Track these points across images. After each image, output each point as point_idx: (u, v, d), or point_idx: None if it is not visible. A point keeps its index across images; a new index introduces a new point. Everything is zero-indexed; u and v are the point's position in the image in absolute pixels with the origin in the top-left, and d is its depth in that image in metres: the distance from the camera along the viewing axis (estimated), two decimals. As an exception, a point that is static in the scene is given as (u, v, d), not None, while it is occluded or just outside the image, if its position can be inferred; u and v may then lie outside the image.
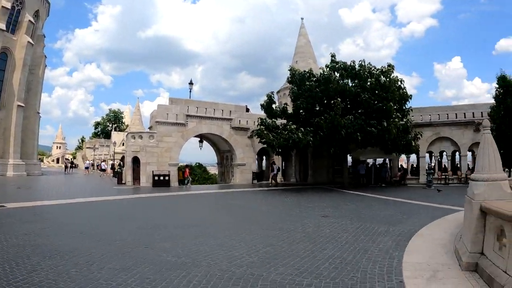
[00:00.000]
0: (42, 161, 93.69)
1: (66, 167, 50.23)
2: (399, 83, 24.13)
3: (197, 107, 28.68)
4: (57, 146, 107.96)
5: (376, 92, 23.18)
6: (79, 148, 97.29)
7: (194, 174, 69.60)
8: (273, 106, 26.19)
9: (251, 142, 30.84)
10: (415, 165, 32.75)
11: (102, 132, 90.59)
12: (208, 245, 8.03)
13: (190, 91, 31.82)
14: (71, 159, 69.27)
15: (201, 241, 8.48)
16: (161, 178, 26.03)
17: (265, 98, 26.13)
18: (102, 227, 10.34)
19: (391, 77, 23.78)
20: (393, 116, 22.99)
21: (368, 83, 23.46)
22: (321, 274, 6.05)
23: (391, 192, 21.86)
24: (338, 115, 21.48)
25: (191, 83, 31.87)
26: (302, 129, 22.02)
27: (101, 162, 59.27)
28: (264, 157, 37.05)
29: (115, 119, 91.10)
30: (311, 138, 21.82)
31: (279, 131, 23.46)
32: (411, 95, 24.93)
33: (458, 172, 29.99)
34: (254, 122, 30.04)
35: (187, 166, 32.75)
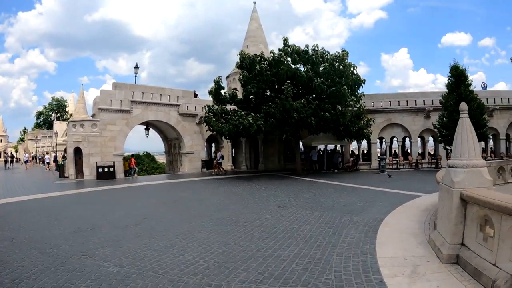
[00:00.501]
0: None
1: (6, 161, 45.96)
2: (352, 68, 23.81)
3: (143, 93, 26.98)
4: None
5: (329, 77, 22.76)
6: (21, 140, 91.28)
7: (142, 163, 67.69)
8: (222, 91, 25.10)
9: (200, 129, 29.65)
10: (365, 151, 32.98)
11: (45, 122, 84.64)
12: (155, 248, 7.05)
13: (136, 76, 30.11)
14: (11, 152, 64.34)
15: (147, 243, 7.47)
16: (106, 170, 24.35)
17: (209, 91, 25.15)
18: (36, 231, 8.96)
19: (345, 62, 23.35)
20: (348, 100, 22.74)
21: (322, 68, 22.96)
22: (290, 278, 5.30)
23: (345, 178, 21.56)
24: (290, 98, 20.83)
25: (136, 67, 30.03)
26: (252, 114, 21.22)
27: (44, 154, 55.85)
28: (213, 144, 36.03)
29: (58, 108, 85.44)
30: (262, 123, 21.06)
31: (228, 117, 22.54)
32: (364, 80, 24.72)
33: (409, 157, 30.53)
34: (203, 108, 28.93)
35: (132, 156, 31.12)
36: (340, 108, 22.16)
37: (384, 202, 12.06)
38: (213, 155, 28.44)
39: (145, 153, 77.29)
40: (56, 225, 9.68)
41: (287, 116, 21.15)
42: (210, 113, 23.51)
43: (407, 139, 31.78)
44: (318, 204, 12.17)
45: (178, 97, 28.75)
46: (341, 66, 23.04)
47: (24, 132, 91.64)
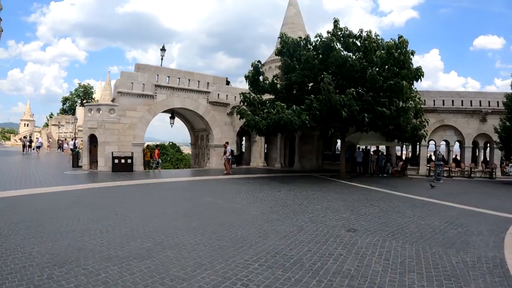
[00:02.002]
0: (8, 139, 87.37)
1: (24, 146, 44.00)
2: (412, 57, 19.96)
3: (169, 76, 23.83)
4: (24, 124, 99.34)
5: (387, 67, 19.18)
6: (46, 125, 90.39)
7: (167, 154, 65.57)
8: (260, 78, 21.73)
9: (231, 120, 26.48)
10: (409, 154, 29.76)
11: (70, 108, 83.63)
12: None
13: (162, 59, 26.97)
14: (29, 137, 62.48)
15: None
16: (122, 161, 21.39)
17: (246, 76, 21.58)
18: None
19: (405, 50, 19.41)
20: (411, 95, 19.17)
21: (377, 57, 19.26)
22: None
23: (401, 187, 18.29)
24: (332, 93, 17.36)
25: (163, 49, 27.00)
26: (295, 106, 17.68)
27: (62, 140, 53.77)
28: (244, 138, 32.88)
29: (85, 94, 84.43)
30: (308, 118, 17.62)
31: (265, 109, 19.24)
32: (423, 72, 20.62)
33: (461, 164, 27.13)
34: (235, 97, 25.83)
35: (157, 146, 28.18)
36: (402, 104, 18.60)
37: (478, 226, 9.42)
38: (224, 151, 23.59)
39: (170, 143, 75.23)
40: (29, 246, 6.57)
41: (334, 113, 17.75)
42: (245, 103, 20.20)
43: (456, 144, 28.01)
44: (398, 228, 8.91)
45: (208, 83, 25.54)
46: (401, 56, 19.27)
47: (50, 117, 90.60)
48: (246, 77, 21.32)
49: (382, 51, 19.01)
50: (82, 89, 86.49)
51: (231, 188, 15.95)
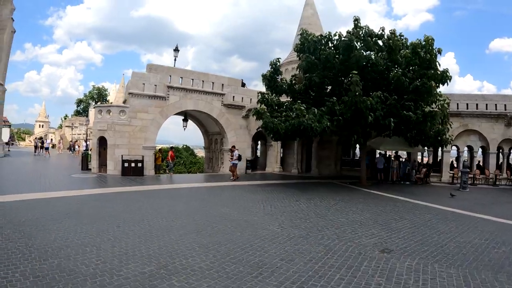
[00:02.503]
0: (24, 140, 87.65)
1: (36, 147, 43.35)
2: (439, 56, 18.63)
3: (182, 77, 22.91)
4: (39, 125, 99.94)
5: (411, 68, 17.93)
6: (61, 127, 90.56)
7: (180, 157, 64.69)
8: (278, 78, 20.53)
9: (246, 124, 25.44)
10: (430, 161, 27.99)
11: (84, 110, 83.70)
12: None
13: (175, 60, 26.11)
14: (41, 138, 62.07)
15: None
16: (132, 165, 20.46)
17: (263, 75, 20.35)
18: None
19: (432, 50, 18.11)
20: (437, 98, 17.91)
21: (402, 56, 18.01)
22: None
23: (427, 196, 17.14)
24: (360, 94, 16.15)
25: (176, 50, 26.10)
26: (315, 109, 16.47)
27: (74, 142, 53.13)
28: (259, 142, 31.77)
29: (99, 96, 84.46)
30: (329, 124, 16.41)
31: (284, 112, 18.11)
32: (451, 76, 19.11)
33: (486, 171, 25.66)
34: (251, 99, 24.83)
35: (172, 148, 27.16)
36: (428, 108, 17.37)
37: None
38: (231, 155, 21.99)
39: (184, 146, 74.40)
40: None
41: (359, 116, 16.56)
42: (262, 104, 19.08)
43: (479, 149, 26.43)
44: (437, 248, 7.77)
45: (223, 85, 24.57)
46: (427, 55, 17.98)
47: (65, 118, 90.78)
48: (264, 76, 20.11)
49: (407, 51, 17.79)
50: (97, 91, 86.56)
51: (247, 196, 14.75)
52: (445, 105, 17.82)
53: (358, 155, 31.11)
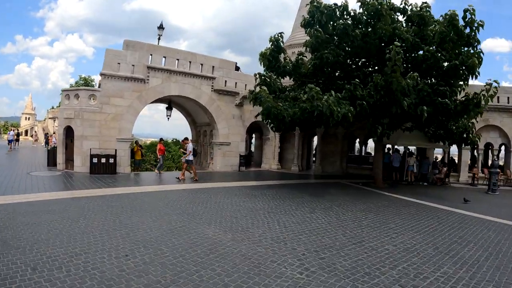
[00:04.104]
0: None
1: (9, 141, 38.70)
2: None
3: (165, 57, 19.19)
4: (26, 117, 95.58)
5: (446, 44, 14.51)
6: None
7: (169, 151, 61.17)
8: (281, 57, 16.81)
9: (240, 113, 21.89)
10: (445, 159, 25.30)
11: (70, 101, 79.74)
12: None
13: (159, 38, 22.40)
14: (17, 131, 56.81)
15: None
16: (103, 160, 16.84)
17: (261, 54, 16.49)
18: None
19: (474, 19, 14.42)
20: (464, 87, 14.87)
21: (434, 31, 14.61)
22: None
23: (452, 200, 14.69)
24: (398, 73, 12.71)
25: (161, 27, 22.41)
26: (333, 92, 12.73)
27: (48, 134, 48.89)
28: (254, 135, 28.29)
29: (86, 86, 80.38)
30: (352, 110, 12.70)
31: (290, 95, 14.65)
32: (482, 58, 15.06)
33: (507, 171, 23.43)
34: (246, 85, 21.40)
35: (161, 140, 23.56)
36: (471, 95, 14.08)
37: None
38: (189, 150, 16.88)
39: (174, 140, 70.67)
40: None
41: (390, 102, 13.15)
42: (263, 86, 15.53)
43: (501, 147, 24.33)
44: None
45: (213, 67, 20.89)
46: (467, 28, 14.55)
47: (53, 109, 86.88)
48: (263, 56, 16.20)
49: (442, 25, 14.38)
50: (83, 82, 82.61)
51: (242, 206, 10.93)
52: (492, 92, 14.12)
53: (364, 151, 27.99)
